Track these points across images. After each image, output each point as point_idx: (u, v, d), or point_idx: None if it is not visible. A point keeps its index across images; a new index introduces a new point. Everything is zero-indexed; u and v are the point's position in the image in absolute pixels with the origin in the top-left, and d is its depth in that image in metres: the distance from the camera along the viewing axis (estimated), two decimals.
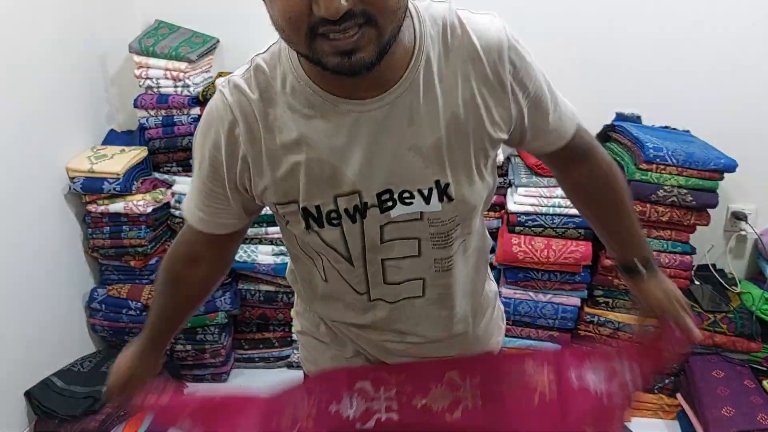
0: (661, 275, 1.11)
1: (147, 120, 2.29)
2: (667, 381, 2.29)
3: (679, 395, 2.25)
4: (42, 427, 1.93)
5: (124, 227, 2.21)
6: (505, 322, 1.25)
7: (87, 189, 2.15)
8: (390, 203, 0.90)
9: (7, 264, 1.88)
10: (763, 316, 2.14)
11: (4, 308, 1.87)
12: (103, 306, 2.24)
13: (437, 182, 0.90)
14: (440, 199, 0.91)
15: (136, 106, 2.28)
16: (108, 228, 2.22)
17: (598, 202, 1.11)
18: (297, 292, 1.16)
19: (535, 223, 2.17)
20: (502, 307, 1.24)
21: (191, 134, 2.28)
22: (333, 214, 0.90)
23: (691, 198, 2.05)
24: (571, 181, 1.12)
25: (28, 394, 1.93)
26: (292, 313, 1.23)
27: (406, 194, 0.90)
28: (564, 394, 1.01)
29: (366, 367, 1.09)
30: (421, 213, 0.92)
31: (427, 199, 0.90)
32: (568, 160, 1.07)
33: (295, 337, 1.30)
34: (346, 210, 0.90)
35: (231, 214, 0.97)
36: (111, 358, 2.16)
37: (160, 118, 2.29)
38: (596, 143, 1.08)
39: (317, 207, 0.90)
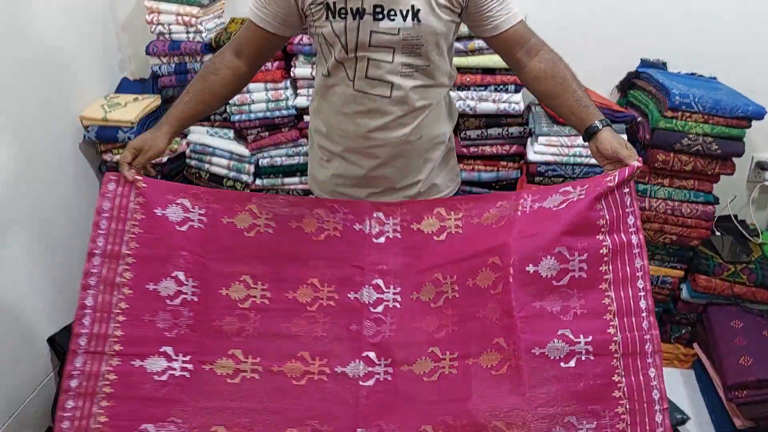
0: (613, 131, 1.39)
1: (160, 67, 2.25)
2: (683, 331, 2.30)
3: (695, 345, 2.25)
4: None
5: None
6: (458, 183, 1.71)
7: (101, 138, 2.13)
8: (380, 16, 1.35)
9: (25, 213, 1.88)
10: None
11: (25, 257, 1.88)
12: None
13: (413, 6, 1.35)
14: (412, 20, 1.35)
15: (148, 53, 2.23)
16: None
17: (554, 85, 1.43)
18: (312, 140, 1.63)
19: (555, 173, 2.13)
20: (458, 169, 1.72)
21: None
22: (342, 11, 1.35)
23: (716, 146, 2.00)
24: (530, 74, 1.45)
25: (51, 341, 1.96)
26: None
27: (392, 12, 1.35)
28: (523, 215, 1.40)
29: (379, 203, 1.49)
30: (399, 29, 1.35)
31: (404, 18, 1.35)
32: (522, 54, 1.44)
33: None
34: (350, 9, 1.35)
35: (275, 17, 1.43)
36: None
37: (173, 65, 2.24)
38: (543, 42, 1.45)
39: (334, 3, 1.35)
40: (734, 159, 2.07)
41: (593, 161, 2.10)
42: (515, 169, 2.25)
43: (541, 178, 2.15)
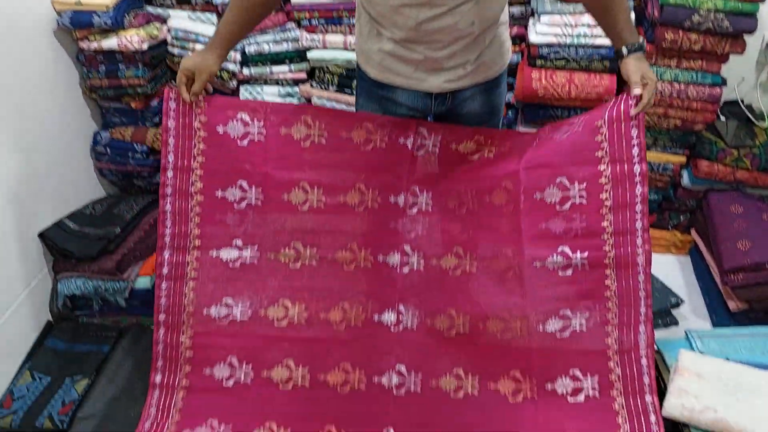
0: (643, 59, 1.47)
1: None
2: (682, 218, 2.28)
3: (693, 231, 2.25)
4: (60, 268, 1.95)
5: (120, 65, 2.08)
6: (508, 58, 1.63)
7: (76, 24, 1.99)
8: None
9: (4, 108, 1.79)
10: None
11: (6, 152, 1.81)
12: (108, 150, 2.19)
13: None
14: None
15: None
16: (103, 67, 2.09)
17: (596, 4, 1.46)
18: (359, 13, 1.52)
19: (558, 55, 2.03)
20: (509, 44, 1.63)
21: None
22: None
23: (727, 23, 1.89)
24: None
25: (42, 236, 1.93)
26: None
27: None
28: (536, 145, 1.60)
29: (424, 121, 1.62)
30: None
31: None
32: None
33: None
34: None
35: None
36: (122, 202, 2.14)
37: None
38: None
39: None
40: (745, 39, 1.97)
41: (598, 42, 2.02)
42: (516, 53, 2.14)
43: (542, 61, 2.05)
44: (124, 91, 2.14)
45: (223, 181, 1.60)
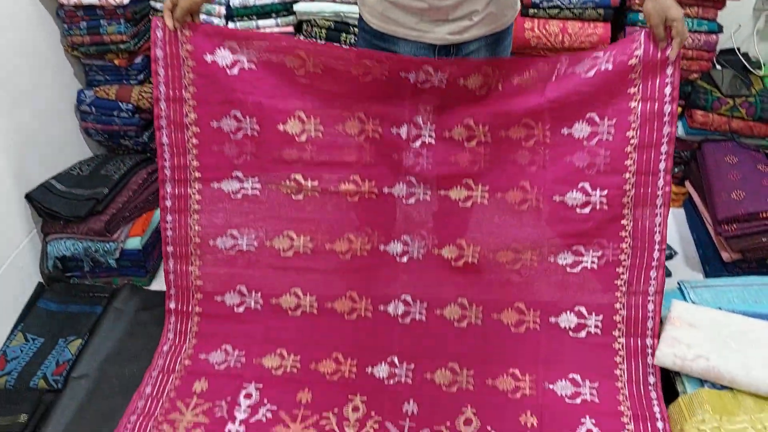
0: None
1: None
2: (676, 170, 2.26)
3: (687, 183, 2.23)
4: (49, 229, 1.93)
5: (101, 21, 2.03)
6: (517, 10, 1.54)
7: None
8: None
9: None
10: None
11: None
12: (93, 108, 2.14)
13: None
14: None
15: None
16: (84, 23, 2.03)
17: None
18: None
19: (551, 4, 1.98)
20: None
21: None
22: None
23: None
24: None
25: (29, 198, 1.90)
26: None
27: None
28: (557, 79, 1.52)
29: (431, 59, 1.49)
30: None
31: None
32: None
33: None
34: None
35: None
36: (110, 162, 2.11)
37: None
38: None
39: None
40: None
41: None
42: None
43: (535, 10, 2.00)
44: (107, 48, 2.09)
45: (216, 111, 1.58)
